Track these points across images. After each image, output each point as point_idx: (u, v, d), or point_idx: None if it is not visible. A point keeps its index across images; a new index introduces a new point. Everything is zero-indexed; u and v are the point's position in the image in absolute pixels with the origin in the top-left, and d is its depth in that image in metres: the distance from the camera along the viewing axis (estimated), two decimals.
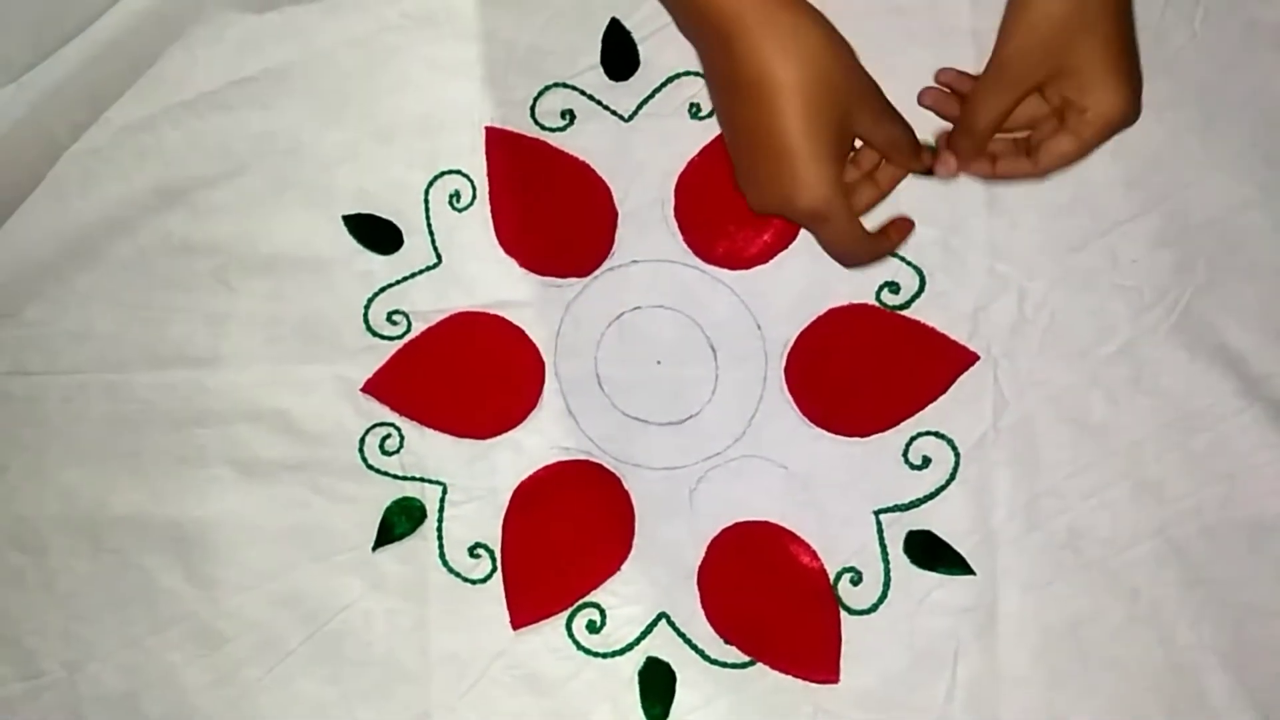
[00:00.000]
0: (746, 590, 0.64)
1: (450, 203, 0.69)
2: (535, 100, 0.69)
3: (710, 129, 0.67)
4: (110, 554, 0.69)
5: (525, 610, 0.65)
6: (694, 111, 0.67)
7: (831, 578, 0.63)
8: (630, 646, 0.64)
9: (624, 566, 0.64)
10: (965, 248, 0.64)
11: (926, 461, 0.63)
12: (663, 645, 0.64)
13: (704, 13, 0.53)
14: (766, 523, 0.64)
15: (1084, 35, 0.53)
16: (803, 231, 0.65)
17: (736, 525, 0.64)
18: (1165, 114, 0.63)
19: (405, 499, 0.67)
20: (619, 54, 0.68)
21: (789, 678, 0.62)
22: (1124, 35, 0.54)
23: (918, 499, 0.63)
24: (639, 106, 0.68)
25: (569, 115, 0.69)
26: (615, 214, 0.67)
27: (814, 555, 0.63)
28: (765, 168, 0.54)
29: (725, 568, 0.64)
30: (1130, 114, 0.55)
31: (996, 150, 0.60)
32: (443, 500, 0.67)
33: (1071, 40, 0.53)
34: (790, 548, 0.64)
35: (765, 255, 0.66)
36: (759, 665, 0.63)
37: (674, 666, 0.64)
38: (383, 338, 0.69)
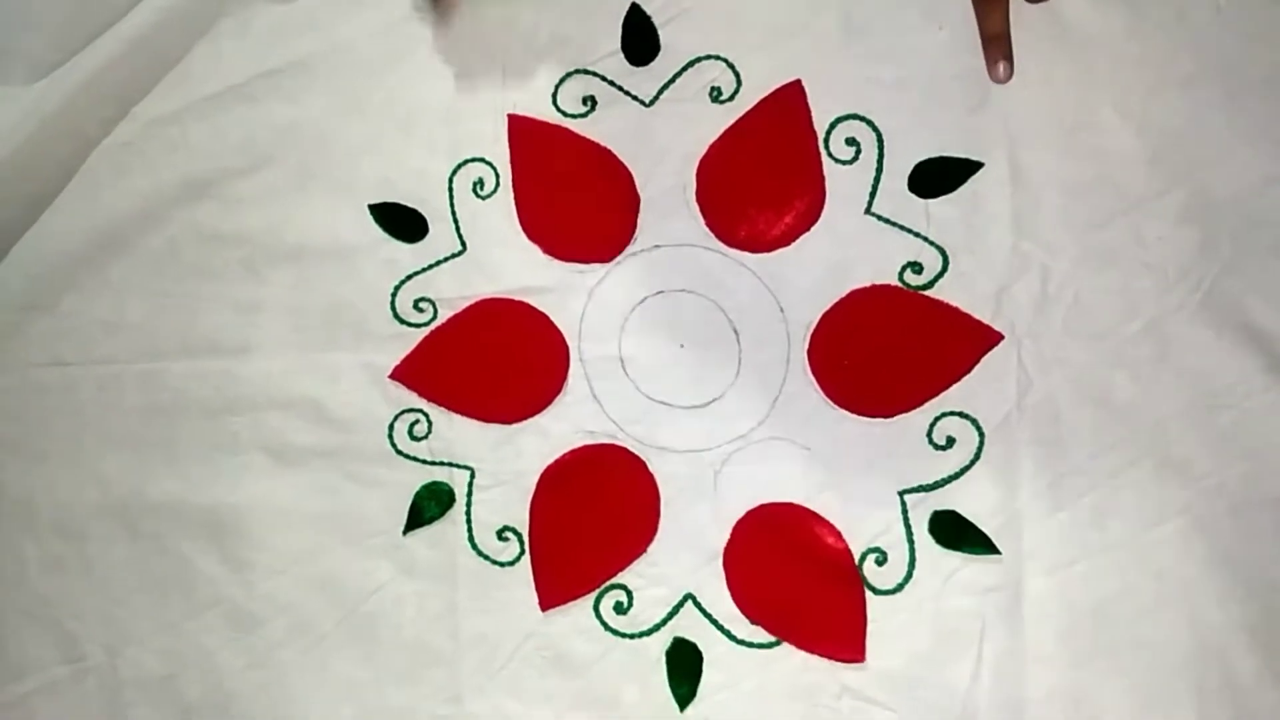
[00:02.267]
0: (772, 571, 0.64)
1: (474, 190, 0.70)
2: (557, 87, 0.69)
3: (731, 113, 0.67)
4: (147, 540, 0.71)
5: (554, 592, 0.65)
6: (715, 95, 0.68)
7: (857, 558, 0.64)
8: (657, 627, 0.65)
9: (650, 548, 0.65)
10: (988, 226, 0.63)
11: (951, 442, 0.64)
12: (690, 626, 0.65)
13: None
14: (791, 504, 0.65)
15: None
16: (824, 214, 0.65)
17: (761, 507, 0.65)
18: (1189, 90, 0.63)
19: (434, 483, 0.68)
20: (639, 39, 0.69)
21: (815, 657, 0.63)
22: None
23: (942, 479, 0.63)
24: (660, 91, 0.68)
25: (590, 101, 0.69)
26: (637, 199, 0.68)
27: (838, 536, 0.64)
28: None
29: (750, 549, 0.65)
30: None
31: None
32: (471, 484, 0.68)
33: None
34: (815, 529, 0.64)
35: (787, 238, 0.66)
36: (785, 645, 0.63)
37: (701, 647, 0.64)
38: (410, 325, 0.70)
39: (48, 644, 0.71)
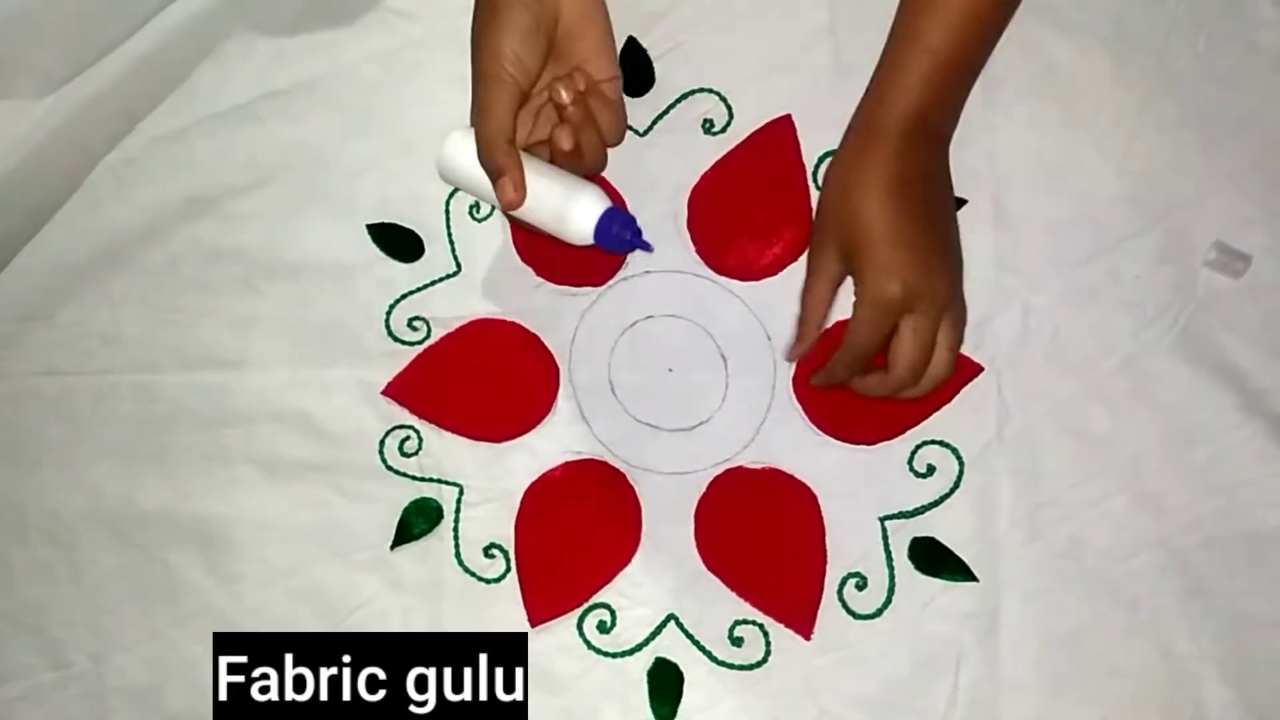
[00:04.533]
0: (739, 530, 0.65)
1: (470, 213, 0.71)
2: None
3: (722, 145, 0.69)
4: (137, 549, 0.71)
5: (541, 608, 0.66)
6: (707, 127, 0.69)
7: (836, 583, 0.64)
8: (640, 647, 0.65)
9: (631, 565, 0.66)
10: (971, 261, 0.65)
11: (931, 470, 0.65)
12: (672, 646, 0.65)
13: None
14: (769, 468, 0.66)
15: (854, 223, 0.57)
16: None
17: (739, 468, 0.66)
18: (1168, 133, 0.65)
19: (423, 499, 0.69)
20: (635, 71, 0.70)
21: (795, 679, 0.64)
22: (896, 222, 0.56)
23: (922, 506, 0.64)
24: (654, 122, 0.70)
25: None
26: None
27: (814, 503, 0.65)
28: None
29: (722, 505, 0.66)
30: (883, 293, 0.56)
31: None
32: (459, 501, 0.68)
33: (847, 228, 0.57)
34: (789, 492, 0.65)
35: (775, 267, 0.68)
36: (765, 667, 0.64)
37: (682, 667, 0.65)
38: (403, 343, 0.71)
39: (33, 650, 0.71)
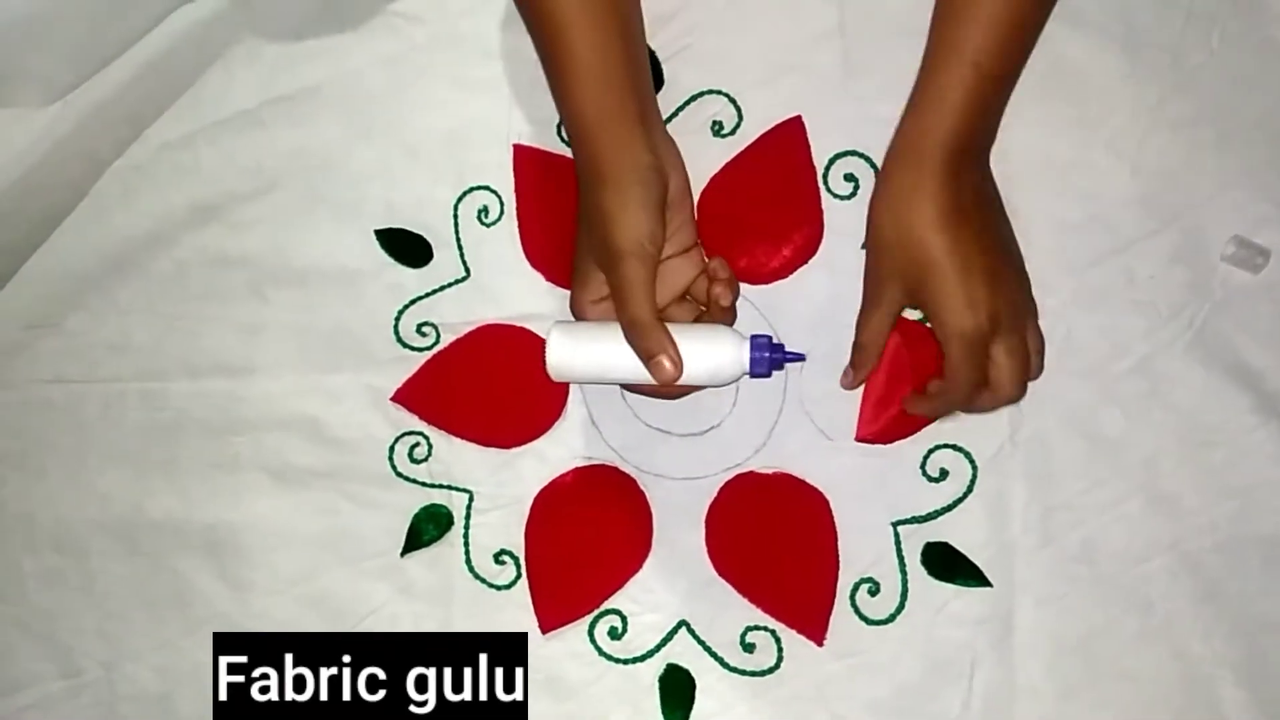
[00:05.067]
0: (751, 534, 0.65)
1: (479, 218, 0.71)
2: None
3: (732, 147, 0.68)
4: (146, 557, 0.71)
5: (552, 615, 0.66)
6: (716, 129, 0.69)
7: (849, 588, 0.64)
8: (651, 653, 0.65)
9: (642, 571, 0.66)
10: None
11: (944, 474, 0.64)
12: (683, 652, 0.65)
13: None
14: (780, 473, 0.66)
15: (917, 256, 0.55)
16: (822, 248, 0.66)
17: (750, 473, 0.66)
18: (1182, 132, 0.64)
19: (433, 506, 0.68)
20: None
21: (808, 685, 0.63)
22: (962, 250, 0.55)
23: (935, 510, 0.64)
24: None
25: None
26: None
27: (826, 506, 0.65)
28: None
29: (733, 509, 0.66)
30: (974, 327, 0.55)
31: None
32: (469, 507, 0.68)
33: (910, 260, 0.56)
34: (800, 496, 0.65)
35: (785, 270, 0.67)
36: (778, 673, 0.64)
37: (693, 673, 0.65)
38: (412, 349, 0.71)
39: (44, 659, 0.72)
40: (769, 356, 0.59)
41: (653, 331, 0.56)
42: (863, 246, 0.61)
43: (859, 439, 0.65)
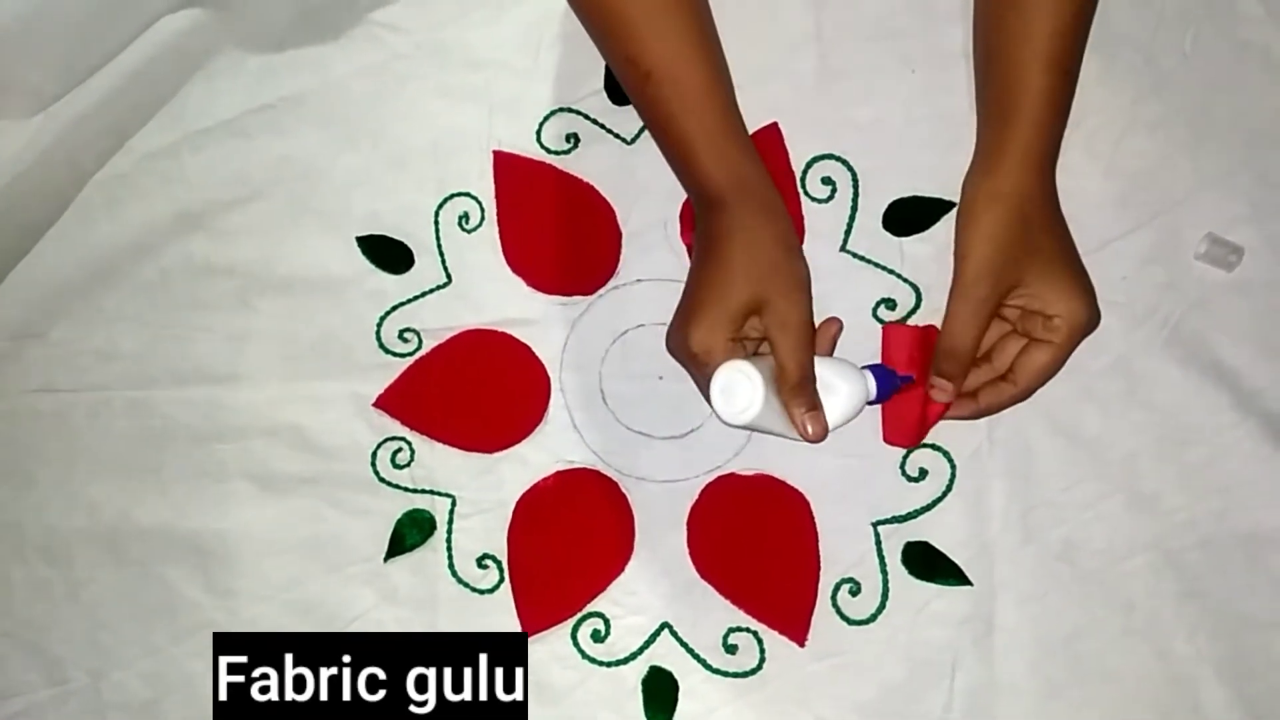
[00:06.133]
0: (732, 537, 0.65)
1: (460, 224, 0.72)
2: (541, 124, 0.71)
3: None
4: (133, 565, 0.72)
5: (535, 618, 0.66)
6: None
7: (830, 589, 0.64)
8: (634, 655, 0.65)
9: (625, 573, 0.66)
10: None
11: (923, 474, 0.65)
12: (666, 654, 0.65)
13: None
14: (760, 474, 0.66)
15: (1033, 251, 0.56)
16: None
17: (731, 475, 0.66)
18: (1156, 133, 0.64)
19: (416, 511, 0.69)
20: None
21: (791, 686, 0.64)
22: (1068, 246, 0.58)
23: (915, 510, 0.64)
24: (641, 130, 0.70)
25: (573, 139, 0.71)
26: (619, 234, 0.69)
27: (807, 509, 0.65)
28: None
29: (714, 513, 0.66)
30: (1094, 317, 0.57)
31: (974, 385, 0.60)
32: (452, 512, 0.69)
33: (1023, 257, 0.56)
34: (780, 499, 0.65)
35: None
36: (760, 674, 0.64)
37: (677, 675, 0.65)
38: (394, 355, 0.71)
39: (32, 667, 0.72)
40: (890, 385, 0.58)
41: (808, 389, 0.56)
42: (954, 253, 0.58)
43: (895, 443, 0.63)
